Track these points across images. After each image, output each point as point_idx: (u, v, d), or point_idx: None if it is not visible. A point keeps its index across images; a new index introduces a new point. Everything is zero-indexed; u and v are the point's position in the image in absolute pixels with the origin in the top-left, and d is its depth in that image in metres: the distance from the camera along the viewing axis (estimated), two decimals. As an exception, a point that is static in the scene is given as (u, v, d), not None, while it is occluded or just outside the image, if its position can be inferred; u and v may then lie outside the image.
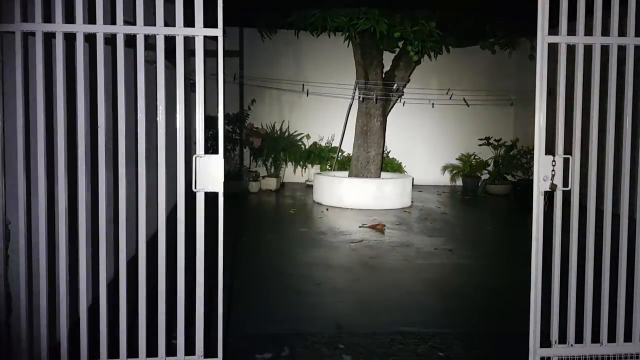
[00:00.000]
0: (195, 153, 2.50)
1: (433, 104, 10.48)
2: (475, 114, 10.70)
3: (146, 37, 2.44)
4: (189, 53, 2.51)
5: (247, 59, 10.29)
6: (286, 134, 10.39)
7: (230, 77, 9.81)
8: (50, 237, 2.46)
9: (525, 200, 9.34)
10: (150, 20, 2.44)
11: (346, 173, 8.86)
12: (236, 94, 10.14)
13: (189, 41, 2.48)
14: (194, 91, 2.50)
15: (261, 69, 10.28)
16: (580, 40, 2.63)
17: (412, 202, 8.48)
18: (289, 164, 10.38)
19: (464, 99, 10.45)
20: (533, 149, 2.70)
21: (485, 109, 10.75)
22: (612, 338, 2.78)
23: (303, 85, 10.20)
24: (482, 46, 8.35)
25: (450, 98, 10.41)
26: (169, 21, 2.45)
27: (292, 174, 10.55)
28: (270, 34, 9.21)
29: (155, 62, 2.45)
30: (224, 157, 2.52)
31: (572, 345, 2.74)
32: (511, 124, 10.95)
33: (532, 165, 2.98)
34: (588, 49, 2.66)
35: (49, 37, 2.41)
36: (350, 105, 9.28)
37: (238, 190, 9.07)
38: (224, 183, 2.51)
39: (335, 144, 10.17)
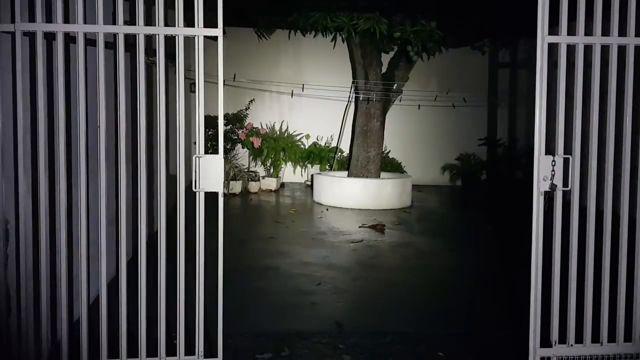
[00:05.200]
0: (195, 153, 2.51)
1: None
2: (475, 114, 10.68)
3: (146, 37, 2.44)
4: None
5: (247, 59, 10.28)
6: (285, 134, 10.38)
7: (229, 78, 9.79)
8: (50, 236, 2.46)
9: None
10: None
11: (345, 173, 8.86)
12: (236, 94, 10.12)
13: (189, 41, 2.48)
14: (194, 91, 2.50)
15: (260, 69, 10.27)
16: (580, 40, 2.63)
17: (412, 202, 8.48)
18: (289, 164, 10.37)
19: (464, 99, 10.43)
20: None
21: (483, 109, 10.75)
22: (612, 338, 2.78)
23: (303, 85, 10.19)
24: (474, 47, 8.36)
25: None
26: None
27: (292, 174, 10.54)
28: (268, 35, 9.21)
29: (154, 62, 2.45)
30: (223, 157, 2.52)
31: (572, 345, 2.74)
32: (508, 124, 10.96)
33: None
34: (588, 49, 2.66)
35: (46, 37, 2.42)
36: (347, 105, 9.26)
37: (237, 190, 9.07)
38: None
39: (335, 144, 10.16)
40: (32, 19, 2.37)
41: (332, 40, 8.14)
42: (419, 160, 10.68)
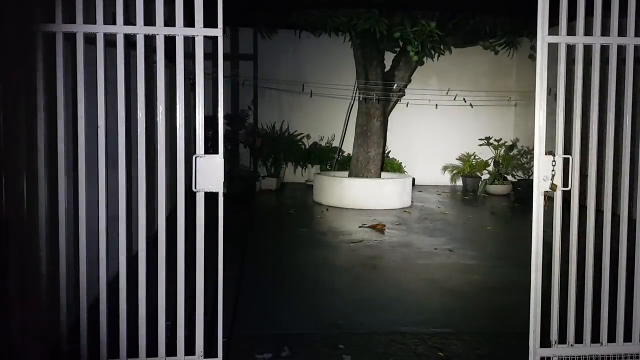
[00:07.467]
0: (195, 153, 2.50)
1: (437, 105, 10.42)
2: (475, 114, 10.67)
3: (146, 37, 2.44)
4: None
5: (246, 59, 10.27)
6: (286, 133, 10.38)
7: (231, 78, 9.78)
8: (51, 237, 2.46)
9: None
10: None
11: (346, 173, 8.86)
12: (236, 94, 10.10)
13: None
14: (194, 91, 2.50)
15: (261, 69, 10.25)
16: (580, 40, 2.63)
17: (412, 202, 8.47)
18: (289, 164, 10.36)
19: (464, 99, 10.42)
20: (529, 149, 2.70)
21: (485, 109, 10.71)
22: (612, 338, 2.77)
23: (303, 85, 10.17)
24: (484, 46, 8.30)
25: (455, 99, 10.34)
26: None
27: (292, 174, 10.53)
28: (270, 34, 9.20)
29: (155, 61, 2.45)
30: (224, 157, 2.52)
31: (572, 345, 2.74)
32: (512, 124, 10.93)
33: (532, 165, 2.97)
34: (588, 49, 2.66)
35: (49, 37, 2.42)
36: (351, 105, 9.25)
37: (239, 190, 9.08)
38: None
39: (336, 144, 10.15)
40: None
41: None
42: (420, 160, 10.66)
